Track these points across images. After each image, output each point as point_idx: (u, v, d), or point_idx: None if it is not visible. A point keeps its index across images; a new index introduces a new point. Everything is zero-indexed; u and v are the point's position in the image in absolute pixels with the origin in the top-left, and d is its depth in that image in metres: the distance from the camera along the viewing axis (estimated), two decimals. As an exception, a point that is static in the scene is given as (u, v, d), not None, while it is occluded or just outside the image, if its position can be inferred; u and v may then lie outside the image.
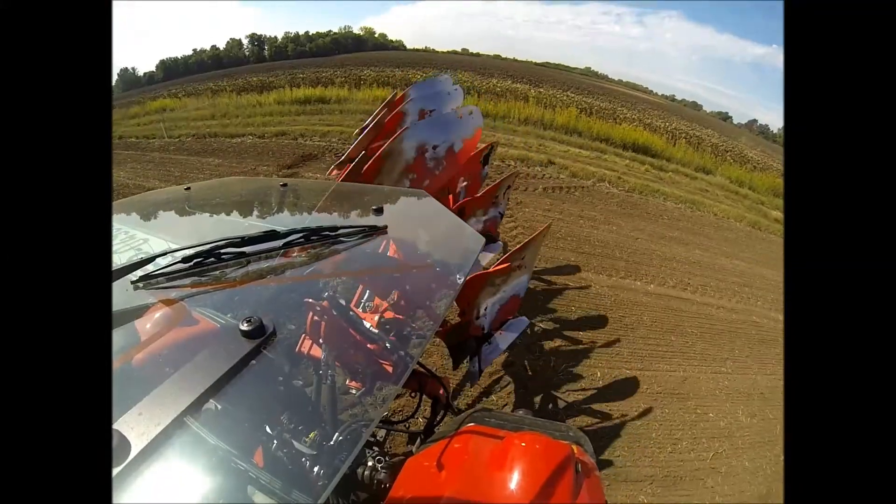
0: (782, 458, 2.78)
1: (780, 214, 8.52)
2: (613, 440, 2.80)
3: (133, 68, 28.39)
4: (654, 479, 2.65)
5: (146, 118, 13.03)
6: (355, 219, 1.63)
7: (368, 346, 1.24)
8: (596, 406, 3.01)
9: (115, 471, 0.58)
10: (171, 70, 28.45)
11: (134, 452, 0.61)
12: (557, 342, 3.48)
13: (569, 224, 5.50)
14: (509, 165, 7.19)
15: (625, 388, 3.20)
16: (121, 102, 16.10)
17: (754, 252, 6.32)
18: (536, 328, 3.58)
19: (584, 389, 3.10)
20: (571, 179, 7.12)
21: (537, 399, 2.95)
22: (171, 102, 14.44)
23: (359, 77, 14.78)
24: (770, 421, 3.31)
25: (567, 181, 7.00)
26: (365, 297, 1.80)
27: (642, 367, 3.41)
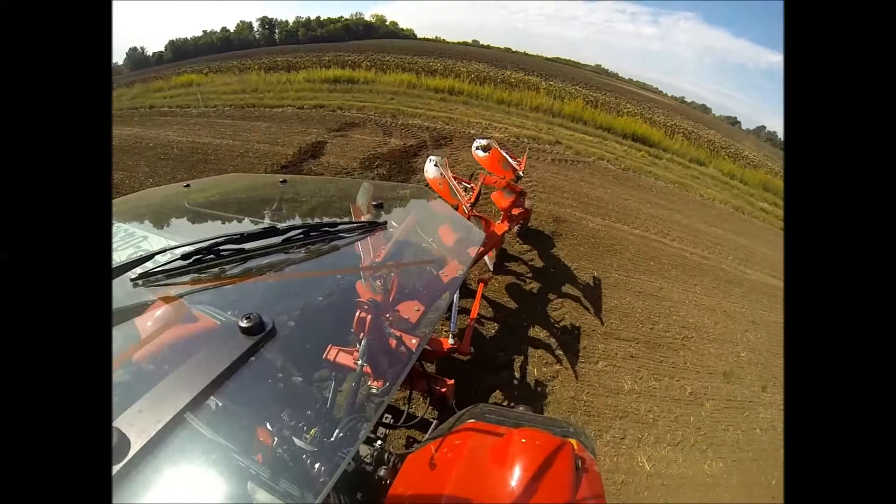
0: (765, 396, 3.43)
1: (766, 205, 8.97)
2: (608, 314, 3.72)
3: (142, 48, 28.33)
4: (640, 341, 3.56)
5: (172, 91, 12.89)
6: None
7: (368, 342, 1.24)
8: (592, 294, 3.92)
9: (115, 468, 0.58)
10: (181, 50, 28.27)
11: (134, 450, 0.61)
12: (561, 255, 4.36)
13: (572, 184, 6.46)
14: (522, 141, 8.17)
15: (614, 286, 4.13)
16: (138, 78, 16.04)
17: (733, 226, 6.97)
18: (548, 243, 4.50)
19: (581, 286, 4.01)
20: (576, 156, 7.94)
21: (544, 284, 3.83)
22: (198, 78, 14.22)
23: (382, 62, 14.86)
24: (731, 330, 4.07)
25: (572, 157, 7.87)
26: (365, 293, 1.80)
27: (627, 276, 4.36)
